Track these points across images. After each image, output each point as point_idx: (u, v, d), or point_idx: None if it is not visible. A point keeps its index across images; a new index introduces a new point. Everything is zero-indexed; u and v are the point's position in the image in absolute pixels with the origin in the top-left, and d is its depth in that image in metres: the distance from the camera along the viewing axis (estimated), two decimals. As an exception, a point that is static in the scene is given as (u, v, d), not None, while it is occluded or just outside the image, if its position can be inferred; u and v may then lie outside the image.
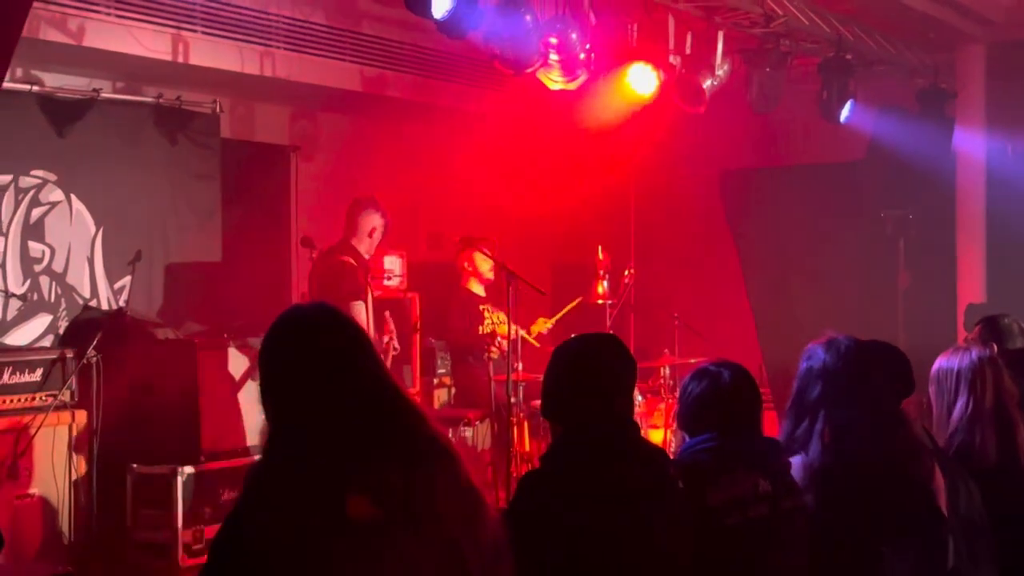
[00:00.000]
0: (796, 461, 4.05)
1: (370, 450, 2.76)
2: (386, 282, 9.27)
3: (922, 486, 4.17)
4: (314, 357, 2.86)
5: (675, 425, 8.75)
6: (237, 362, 7.82)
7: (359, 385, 2.84)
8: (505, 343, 8.67)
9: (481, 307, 9.24)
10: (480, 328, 9.12)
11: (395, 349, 8.61)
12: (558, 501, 3.37)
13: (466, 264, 9.22)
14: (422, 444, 2.85)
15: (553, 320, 9.28)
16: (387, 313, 8.70)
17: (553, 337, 9.99)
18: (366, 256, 8.41)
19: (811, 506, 3.93)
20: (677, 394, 8.83)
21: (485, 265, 9.12)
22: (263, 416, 2.91)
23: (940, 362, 4.76)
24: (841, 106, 9.88)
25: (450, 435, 8.55)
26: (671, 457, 3.84)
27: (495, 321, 9.22)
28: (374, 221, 8.38)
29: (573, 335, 3.79)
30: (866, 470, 4.02)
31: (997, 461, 4.56)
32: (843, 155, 11.31)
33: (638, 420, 8.45)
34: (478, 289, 9.31)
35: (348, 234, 8.43)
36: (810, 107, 10.06)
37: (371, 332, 8.20)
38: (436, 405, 9.91)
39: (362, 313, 8.04)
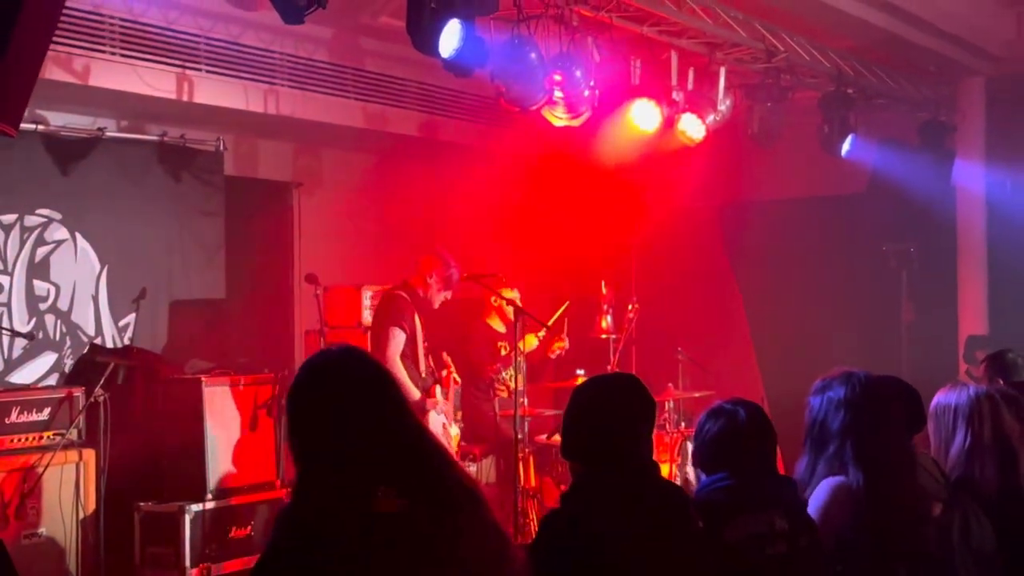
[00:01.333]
0: (831, 482, 4.08)
1: (400, 495, 2.77)
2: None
3: (933, 518, 4.24)
4: (339, 401, 2.88)
5: (679, 461, 8.76)
6: (243, 399, 7.82)
7: (385, 428, 2.86)
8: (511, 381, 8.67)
9: (499, 344, 9.23)
10: (503, 373, 9.06)
11: (455, 382, 8.69)
12: (580, 541, 3.38)
13: (493, 299, 9.17)
14: (448, 487, 2.86)
15: (543, 330, 9.17)
16: (444, 353, 8.72)
17: (559, 371, 10.01)
18: (427, 299, 8.35)
19: (845, 530, 3.99)
20: (682, 429, 8.89)
21: (508, 307, 9.08)
22: (270, 455, 2.94)
23: (938, 398, 4.80)
24: (842, 140, 9.95)
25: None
26: (689, 496, 3.84)
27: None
28: (433, 267, 8.35)
29: (591, 376, 3.81)
30: (895, 501, 4.08)
31: (999, 490, 4.58)
32: (844, 188, 11.35)
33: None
34: (498, 326, 9.30)
35: (410, 276, 8.42)
36: (811, 141, 10.11)
37: (420, 362, 8.29)
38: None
39: (398, 339, 8.08)
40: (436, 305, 8.44)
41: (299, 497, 2.85)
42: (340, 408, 2.86)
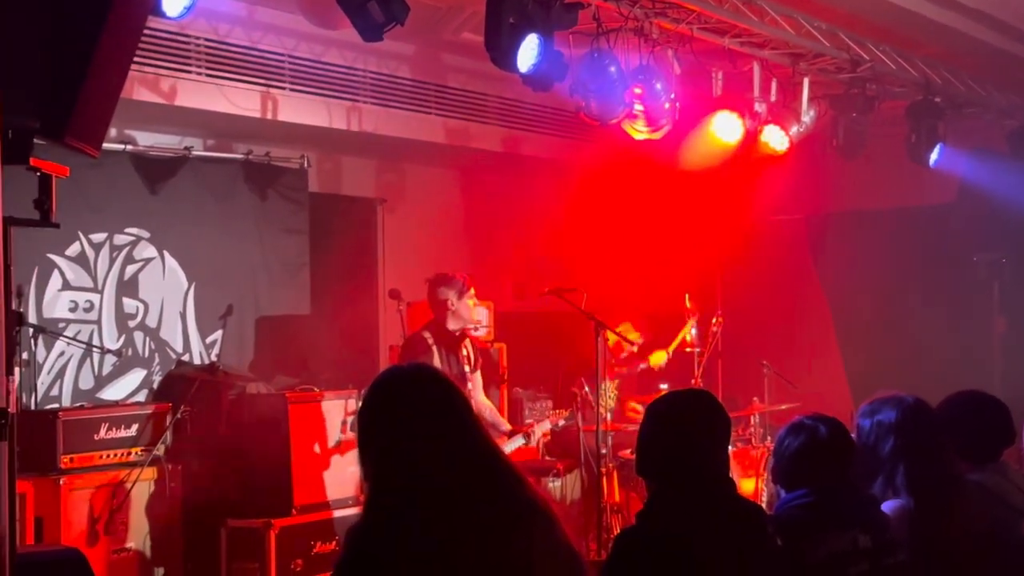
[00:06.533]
0: (890, 505, 4.02)
1: (468, 513, 2.76)
2: (473, 332, 9.26)
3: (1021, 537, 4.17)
4: (411, 419, 2.87)
5: (768, 478, 8.65)
6: (328, 415, 7.85)
7: (455, 447, 2.85)
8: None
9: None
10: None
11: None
12: (655, 560, 3.34)
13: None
14: (520, 506, 2.84)
15: (671, 349, 9.17)
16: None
17: (643, 385, 9.97)
18: (454, 329, 7.99)
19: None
20: (768, 443, 8.78)
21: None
22: (356, 470, 2.93)
23: None
24: (930, 149, 9.78)
25: (541, 486, 8.46)
26: (768, 513, 3.78)
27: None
28: (446, 294, 7.95)
29: (666, 391, 3.77)
30: (945, 526, 4.02)
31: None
32: (933, 198, 11.16)
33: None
34: (635, 336, 9.37)
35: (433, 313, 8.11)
36: (898, 150, 9.95)
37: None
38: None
39: None
40: (458, 326, 8.03)
41: (368, 514, 2.85)
42: (409, 426, 2.85)
